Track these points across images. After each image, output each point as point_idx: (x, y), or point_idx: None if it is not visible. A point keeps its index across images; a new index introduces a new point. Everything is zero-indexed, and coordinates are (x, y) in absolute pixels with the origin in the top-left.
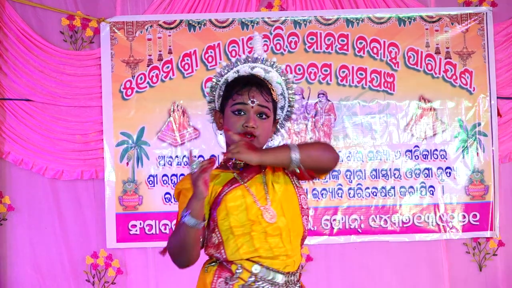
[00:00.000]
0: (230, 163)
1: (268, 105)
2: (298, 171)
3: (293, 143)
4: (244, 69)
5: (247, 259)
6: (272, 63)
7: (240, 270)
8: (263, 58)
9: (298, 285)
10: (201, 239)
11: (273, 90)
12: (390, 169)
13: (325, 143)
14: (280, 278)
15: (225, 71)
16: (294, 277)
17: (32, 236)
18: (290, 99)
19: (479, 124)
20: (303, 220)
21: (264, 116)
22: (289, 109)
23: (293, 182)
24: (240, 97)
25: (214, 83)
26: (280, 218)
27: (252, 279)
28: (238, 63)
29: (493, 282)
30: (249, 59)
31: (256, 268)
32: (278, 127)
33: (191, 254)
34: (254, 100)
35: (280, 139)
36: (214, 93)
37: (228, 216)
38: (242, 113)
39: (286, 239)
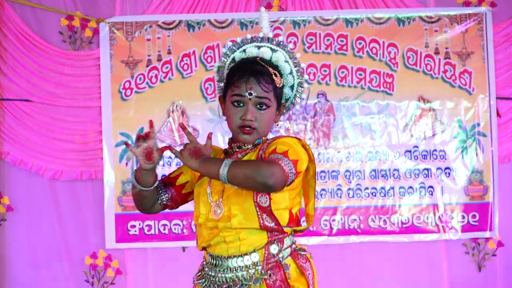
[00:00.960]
0: (229, 145)
1: (267, 95)
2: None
3: (233, 159)
4: (251, 49)
5: (203, 248)
6: (278, 42)
7: (204, 262)
8: (269, 38)
9: (257, 267)
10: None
11: (276, 75)
12: (389, 169)
13: (261, 166)
14: (223, 263)
15: (232, 50)
16: (241, 259)
17: (31, 236)
18: (298, 77)
19: (479, 125)
20: (261, 217)
21: (264, 107)
22: (298, 88)
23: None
24: (237, 88)
25: (221, 63)
26: (223, 215)
27: (206, 268)
28: (245, 42)
29: (492, 282)
30: (256, 39)
31: (207, 257)
32: (288, 107)
33: (140, 205)
34: (252, 92)
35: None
36: (221, 73)
37: (195, 207)
38: (241, 104)
39: (225, 230)
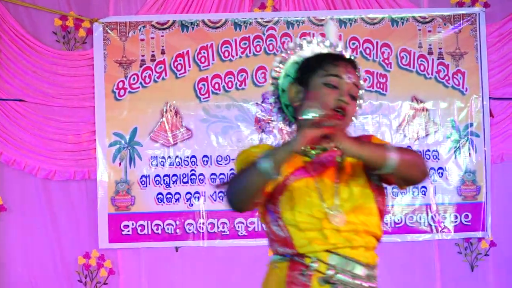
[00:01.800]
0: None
1: (359, 85)
2: (385, 174)
3: (391, 145)
4: (320, 48)
5: (323, 251)
6: (346, 50)
7: (316, 264)
8: (336, 46)
9: (376, 282)
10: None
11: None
12: None
13: (420, 155)
14: (360, 270)
15: (298, 49)
16: (373, 272)
17: (24, 236)
18: (362, 86)
19: (472, 125)
20: (381, 224)
21: (354, 97)
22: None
23: (372, 182)
24: (336, 68)
25: (284, 59)
26: (350, 220)
27: (332, 272)
28: (308, 43)
29: (484, 282)
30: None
31: (332, 259)
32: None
33: (250, 198)
34: (351, 76)
35: (273, 140)
36: (282, 68)
37: (293, 210)
38: (335, 88)
39: (362, 235)
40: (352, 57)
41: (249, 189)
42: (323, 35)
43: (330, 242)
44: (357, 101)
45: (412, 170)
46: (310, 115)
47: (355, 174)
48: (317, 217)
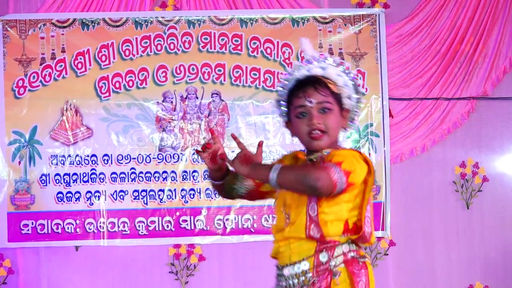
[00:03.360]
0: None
1: (327, 99)
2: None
3: (279, 165)
4: (302, 73)
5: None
6: (325, 59)
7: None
8: (316, 58)
9: (308, 275)
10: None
11: (330, 83)
12: None
13: (309, 171)
14: (283, 271)
15: (286, 81)
16: (292, 268)
17: None
18: (354, 86)
19: (371, 125)
20: (306, 228)
21: (326, 110)
22: (357, 95)
23: None
24: (298, 100)
25: (279, 97)
26: (283, 224)
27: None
28: (296, 70)
29: (384, 281)
30: (306, 64)
31: (278, 267)
32: (352, 117)
33: (220, 193)
34: (311, 99)
35: (174, 139)
36: (280, 107)
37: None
38: (305, 114)
39: (282, 240)
40: (330, 69)
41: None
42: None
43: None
44: (343, 102)
45: (295, 185)
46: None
47: None
48: (278, 223)
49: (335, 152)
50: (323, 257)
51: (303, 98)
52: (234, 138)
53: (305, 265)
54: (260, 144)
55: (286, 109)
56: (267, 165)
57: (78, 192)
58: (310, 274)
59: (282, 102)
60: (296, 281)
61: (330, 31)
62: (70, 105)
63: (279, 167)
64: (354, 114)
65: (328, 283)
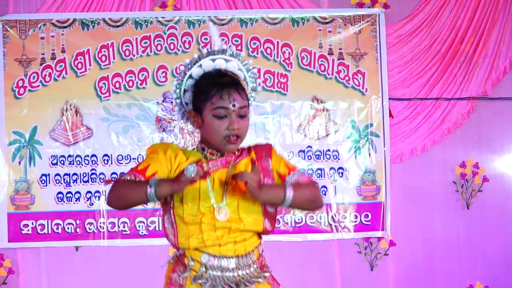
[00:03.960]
0: (203, 151)
1: (245, 103)
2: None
3: (290, 182)
4: (206, 62)
5: (195, 249)
6: (231, 52)
7: (192, 263)
8: (222, 50)
9: (254, 266)
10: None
11: (244, 86)
12: None
13: (317, 187)
14: (229, 263)
15: (188, 67)
16: (246, 259)
17: None
18: (252, 82)
19: (371, 125)
20: (264, 222)
21: (244, 115)
22: (251, 92)
23: (261, 168)
24: (220, 101)
25: (179, 80)
26: (231, 217)
27: (203, 269)
28: (201, 57)
29: (384, 281)
30: (211, 53)
31: (204, 258)
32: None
33: (128, 206)
34: (235, 103)
35: (174, 139)
36: (180, 89)
37: (182, 204)
38: (224, 116)
39: (235, 232)
40: (234, 62)
41: (129, 201)
42: (205, 34)
43: (203, 238)
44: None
45: (305, 205)
46: (189, 173)
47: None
48: (202, 211)
49: (274, 153)
50: (261, 249)
51: (226, 100)
52: (254, 163)
53: (253, 256)
54: (253, 162)
55: (192, 96)
56: (275, 188)
57: (78, 192)
58: (256, 265)
59: (184, 89)
60: (248, 271)
61: (330, 31)
62: (70, 105)
63: (292, 190)
64: (252, 94)
65: (271, 274)
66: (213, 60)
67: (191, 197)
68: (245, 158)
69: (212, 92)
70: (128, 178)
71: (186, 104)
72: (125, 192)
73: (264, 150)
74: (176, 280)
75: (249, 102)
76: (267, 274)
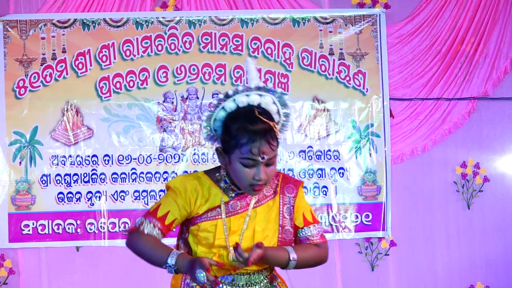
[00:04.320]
0: (226, 184)
1: (275, 153)
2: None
3: (294, 255)
4: (240, 98)
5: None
6: (266, 89)
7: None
8: (257, 87)
9: (264, 281)
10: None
11: (275, 126)
12: (283, 169)
13: (325, 251)
14: (240, 279)
15: (223, 101)
16: (257, 275)
17: None
18: (285, 115)
19: (372, 125)
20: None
21: (271, 164)
22: (284, 123)
23: (281, 213)
24: (250, 154)
25: (210, 113)
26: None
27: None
28: (235, 93)
29: (384, 281)
30: (246, 89)
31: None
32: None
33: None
34: (265, 156)
35: (174, 139)
36: (211, 119)
37: (196, 243)
38: (252, 166)
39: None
40: (268, 98)
41: (148, 262)
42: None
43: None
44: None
45: (307, 266)
46: (198, 280)
47: (267, 223)
48: (213, 252)
49: (302, 200)
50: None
51: (256, 152)
52: (259, 247)
53: (265, 271)
54: (235, 247)
55: (221, 136)
56: (278, 254)
57: (79, 192)
58: (266, 280)
59: (215, 118)
60: (260, 285)
61: (330, 31)
62: (70, 106)
63: (295, 258)
64: (283, 128)
65: (278, 284)
66: (248, 96)
67: (206, 239)
68: (268, 201)
69: (242, 140)
70: (147, 229)
71: (215, 130)
72: (147, 251)
73: (292, 187)
74: (189, 284)
75: (278, 142)
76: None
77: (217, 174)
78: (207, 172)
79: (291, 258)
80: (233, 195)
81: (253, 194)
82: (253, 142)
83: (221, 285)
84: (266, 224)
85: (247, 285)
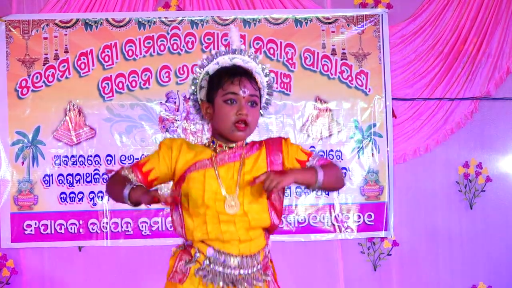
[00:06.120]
0: (213, 144)
1: (256, 93)
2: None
3: (319, 165)
4: (224, 60)
5: (202, 241)
6: (250, 54)
7: (198, 255)
8: (241, 50)
9: (258, 266)
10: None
11: (258, 80)
12: None
13: (339, 167)
14: (232, 261)
15: (206, 62)
16: (250, 260)
17: None
18: (268, 86)
19: (375, 125)
20: (271, 215)
21: (254, 104)
22: (267, 97)
23: (269, 161)
24: (231, 86)
25: (196, 75)
26: (240, 210)
27: (207, 262)
28: (218, 55)
29: (387, 281)
30: (229, 52)
31: (209, 252)
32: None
33: (116, 201)
34: (245, 90)
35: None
36: (196, 84)
37: (187, 197)
38: (234, 102)
39: (239, 227)
40: (252, 63)
41: (114, 198)
42: (225, 35)
43: (207, 230)
44: (262, 101)
45: (334, 184)
46: (165, 191)
47: (257, 171)
48: (206, 203)
49: (289, 141)
50: (267, 250)
51: (237, 86)
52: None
53: (258, 257)
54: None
55: (207, 86)
56: (305, 169)
57: (81, 192)
58: (260, 266)
59: (200, 81)
60: (250, 271)
61: (333, 31)
62: (73, 106)
63: (321, 169)
64: (260, 114)
65: (274, 275)
66: (231, 59)
67: (196, 190)
68: (256, 152)
69: (224, 79)
70: (125, 172)
71: (201, 100)
72: (112, 188)
73: (275, 144)
74: (181, 268)
75: (261, 97)
76: (268, 278)
77: (205, 141)
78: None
79: (318, 174)
80: (221, 150)
81: (237, 135)
82: (234, 77)
83: (212, 265)
84: (256, 173)
85: (239, 267)
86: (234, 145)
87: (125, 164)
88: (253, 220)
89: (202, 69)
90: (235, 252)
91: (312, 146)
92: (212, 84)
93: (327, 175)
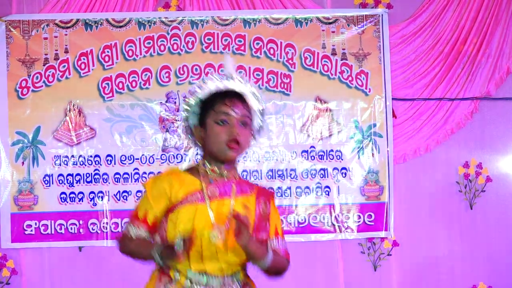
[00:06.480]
0: (205, 167)
1: (248, 114)
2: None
3: (271, 253)
4: (216, 85)
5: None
6: (244, 81)
7: (178, 277)
8: (234, 78)
9: (237, 283)
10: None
11: (249, 103)
12: (286, 169)
13: (287, 266)
14: (214, 281)
15: (198, 89)
16: (232, 278)
17: None
18: (261, 112)
19: (375, 125)
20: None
21: (246, 126)
22: (260, 122)
23: (259, 212)
24: (223, 107)
25: (189, 102)
26: (221, 248)
27: (188, 283)
28: (210, 80)
29: (387, 282)
30: (222, 78)
31: (189, 272)
32: (254, 135)
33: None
34: (237, 110)
35: (177, 139)
36: (189, 112)
37: (174, 229)
38: (226, 122)
39: (221, 257)
40: (245, 87)
41: (138, 258)
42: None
43: (201, 259)
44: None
45: (272, 273)
46: (176, 246)
47: (249, 202)
48: (203, 233)
49: (276, 212)
50: (246, 268)
51: (229, 107)
52: (236, 217)
53: (238, 275)
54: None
55: (199, 111)
56: (262, 248)
57: (82, 192)
58: (239, 284)
59: (192, 107)
60: None
61: (333, 32)
62: (73, 106)
63: (271, 257)
64: (258, 132)
65: None
66: (223, 84)
67: (184, 224)
68: (248, 196)
69: (215, 100)
70: (133, 232)
71: (194, 126)
72: (137, 253)
73: (266, 195)
74: None
75: (252, 119)
76: None
77: (196, 164)
78: (183, 169)
79: (268, 256)
80: (214, 175)
81: (229, 156)
82: (226, 98)
83: (196, 286)
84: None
85: (224, 285)
86: (225, 173)
87: (125, 164)
88: (236, 252)
89: (193, 95)
90: (217, 273)
91: (312, 146)
92: (204, 107)
93: (272, 263)
